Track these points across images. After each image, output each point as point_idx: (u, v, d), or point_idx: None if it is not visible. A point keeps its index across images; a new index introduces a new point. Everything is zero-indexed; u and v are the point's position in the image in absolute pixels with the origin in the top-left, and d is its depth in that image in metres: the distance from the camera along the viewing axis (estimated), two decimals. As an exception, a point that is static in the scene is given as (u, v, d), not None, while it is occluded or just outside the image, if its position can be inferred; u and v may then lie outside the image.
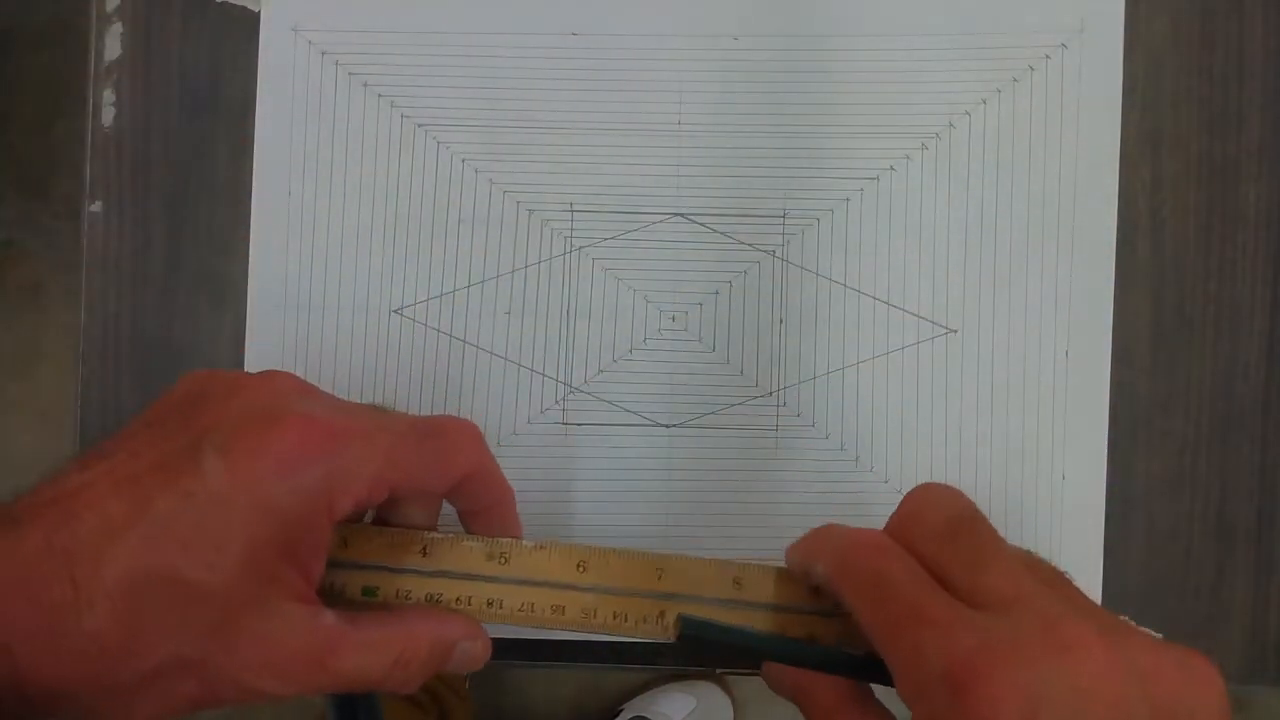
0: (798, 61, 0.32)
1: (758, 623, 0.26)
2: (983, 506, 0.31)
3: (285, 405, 0.23)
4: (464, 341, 0.32)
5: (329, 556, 0.24)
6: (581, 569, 0.26)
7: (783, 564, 0.26)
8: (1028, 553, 0.23)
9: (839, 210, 0.32)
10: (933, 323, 0.31)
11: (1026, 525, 0.31)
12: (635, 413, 0.32)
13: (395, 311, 0.32)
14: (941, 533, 0.23)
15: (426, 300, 0.32)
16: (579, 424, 0.32)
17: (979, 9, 0.31)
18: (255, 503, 0.22)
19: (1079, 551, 0.31)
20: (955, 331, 0.31)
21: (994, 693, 0.19)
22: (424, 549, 0.25)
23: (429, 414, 0.26)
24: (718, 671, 0.32)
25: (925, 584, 0.22)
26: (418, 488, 0.25)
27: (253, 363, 0.32)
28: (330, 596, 0.25)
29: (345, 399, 0.25)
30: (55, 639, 0.21)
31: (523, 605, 0.26)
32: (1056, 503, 0.31)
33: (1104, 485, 0.31)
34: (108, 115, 0.33)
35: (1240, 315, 0.32)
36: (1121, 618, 0.23)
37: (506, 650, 0.32)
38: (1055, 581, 0.22)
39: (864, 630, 0.23)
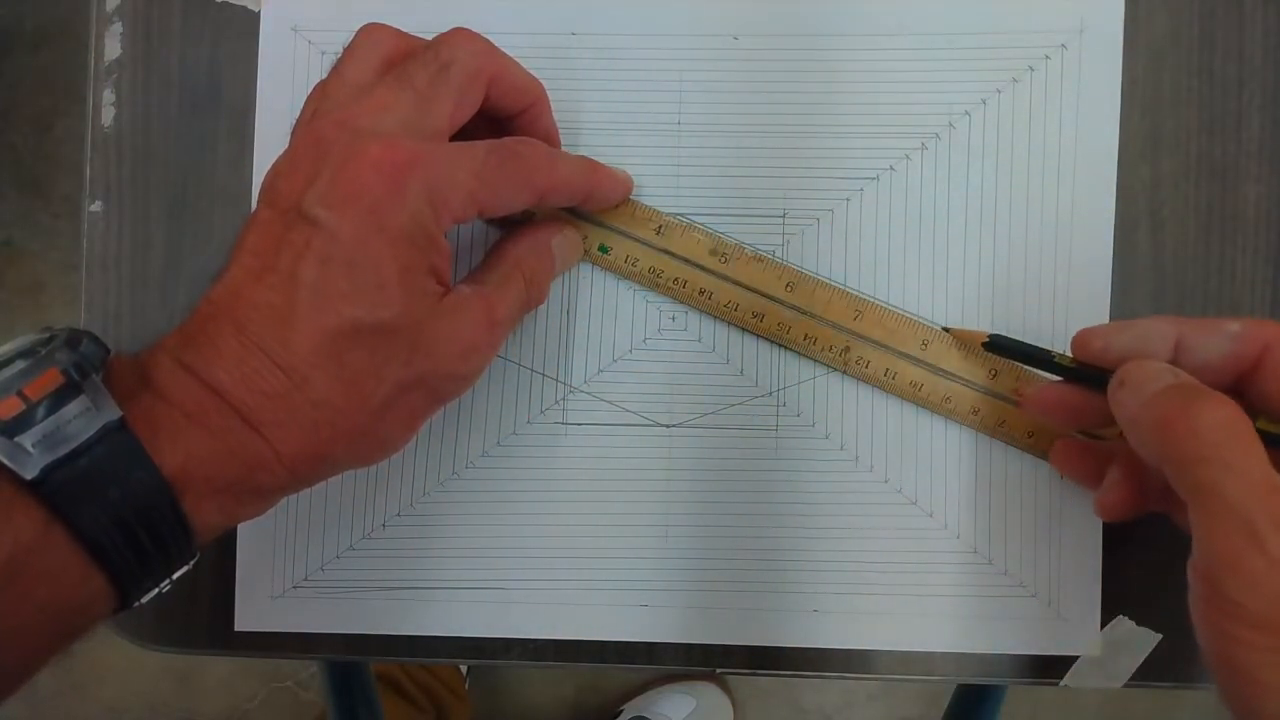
0: (798, 61, 0.32)
1: (953, 393, 0.30)
2: (983, 507, 0.31)
3: (363, 138, 0.24)
4: (464, 341, 0.32)
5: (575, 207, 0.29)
6: (790, 289, 0.30)
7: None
8: None
9: (839, 210, 0.32)
10: (931, 322, 0.31)
11: (1026, 524, 0.31)
12: (635, 413, 0.32)
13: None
14: None
15: (426, 300, 0.32)
16: (579, 424, 0.32)
17: (979, 9, 0.31)
18: (381, 237, 0.24)
19: (1079, 551, 0.31)
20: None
21: None
22: (659, 228, 0.30)
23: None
24: (717, 671, 0.32)
25: (1265, 503, 0.21)
26: (505, 208, 0.27)
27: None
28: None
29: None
30: (293, 419, 0.23)
31: (729, 302, 0.30)
32: (1056, 503, 0.31)
33: (1104, 485, 0.31)
34: (108, 115, 0.33)
35: (1240, 315, 0.32)
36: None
37: (507, 650, 0.32)
38: None
39: (1175, 488, 0.23)
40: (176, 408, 0.23)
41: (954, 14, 0.31)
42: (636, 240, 0.30)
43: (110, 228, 0.33)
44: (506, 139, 0.27)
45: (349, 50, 0.27)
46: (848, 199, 0.32)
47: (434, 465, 0.32)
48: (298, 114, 0.32)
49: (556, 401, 0.32)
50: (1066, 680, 0.31)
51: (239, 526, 0.32)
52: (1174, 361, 0.26)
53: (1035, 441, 0.31)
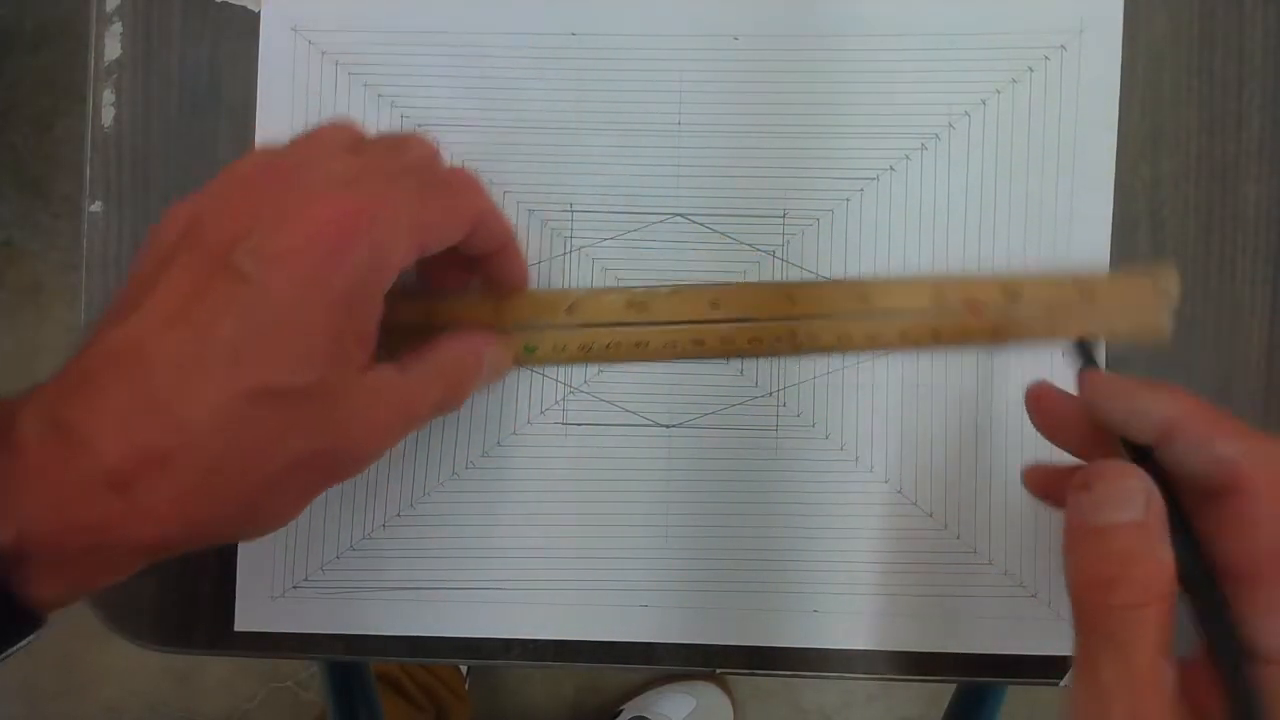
0: (798, 61, 0.32)
1: (886, 331, 0.30)
2: (983, 506, 0.31)
3: (291, 182, 0.23)
4: (464, 341, 0.32)
5: (494, 322, 0.29)
6: (715, 306, 0.30)
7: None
8: None
9: (839, 210, 0.32)
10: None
11: (1027, 527, 0.31)
12: (635, 413, 0.32)
13: (395, 311, 0.32)
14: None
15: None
16: (579, 424, 0.32)
17: (979, 10, 0.31)
18: (317, 300, 0.22)
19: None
20: (955, 331, 0.31)
21: None
22: (569, 307, 0.30)
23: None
24: (717, 672, 0.32)
25: (1132, 697, 0.20)
26: (440, 241, 0.26)
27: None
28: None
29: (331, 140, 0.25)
30: (173, 485, 0.21)
31: (666, 344, 0.30)
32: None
33: (1104, 485, 0.31)
34: (108, 115, 0.33)
35: (1239, 315, 0.32)
36: None
37: (507, 650, 0.32)
38: None
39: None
40: (33, 469, 0.21)
41: (954, 15, 0.31)
42: (555, 327, 0.30)
43: (110, 228, 0.33)
44: (439, 169, 0.27)
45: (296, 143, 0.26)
46: (848, 199, 0.32)
47: (434, 465, 0.32)
48: (298, 114, 0.32)
49: (557, 402, 0.32)
50: (1066, 680, 0.31)
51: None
52: (1158, 441, 0.23)
53: (997, 338, 0.30)
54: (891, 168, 0.32)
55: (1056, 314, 0.30)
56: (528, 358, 0.30)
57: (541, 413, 0.32)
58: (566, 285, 0.32)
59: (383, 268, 0.23)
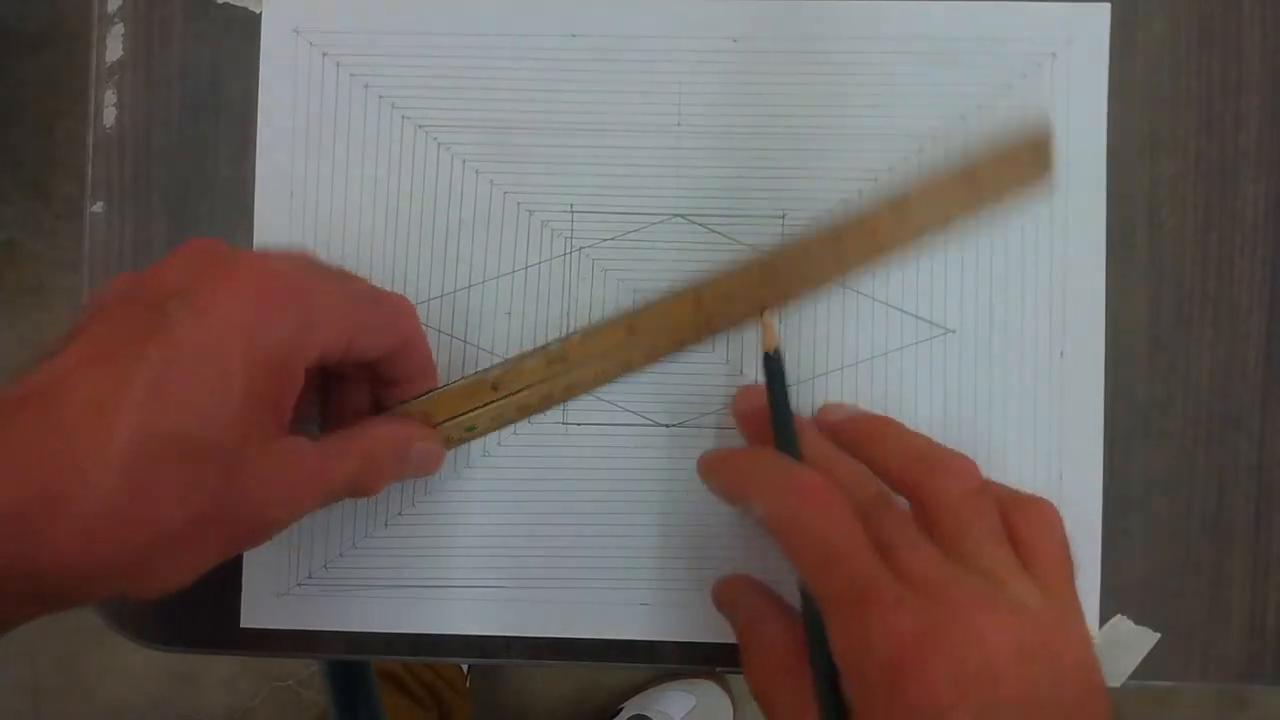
0: (796, 63, 0.32)
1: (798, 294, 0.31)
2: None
3: (235, 256, 0.24)
4: (464, 341, 0.32)
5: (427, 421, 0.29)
6: (631, 331, 0.31)
7: None
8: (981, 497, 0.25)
9: (838, 211, 0.32)
10: (931, 323, 0.31)
11: (1025, 525, 0.31)
12: (635, 413, 0.32)
13: (396, 312, 0.32)
14: (861, 505, 0.25)
15: (427, 300, 0.32)
16: (579, 424, 0.32)
17: (973, 19, 0.32)
18: (239, 353, 0.22)
19: (1076, 551, 0.31)
20: (954, 332, 0.32)
21: (928, 680, 0.21)
22: (493, 385, 0.31)
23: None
24: (718, 670, 0.33)
25: (871, 555, 0.23)
26: (367, 346, 0.26)
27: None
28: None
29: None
30: (69, 516, 0.21)
31: (595, 376, 0.31)
32: (1054, 503, 0.31)
33: (1101, 485, 0.31)
34: (109, 116, 0.33)
35: (1239, 315, 0.32)
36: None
37: (507, 648, 0.32)
38: (988, 556, 0.24)
39: (800, 575, 0.24)
40: None
41: (948, 22, 0.32)
42: (487, 406, 0.30)
43: (112, 228, 0.33)
44: (380, 290, 0.28)
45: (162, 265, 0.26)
46: (847, 199, 0.32)
47: (435, 465, 0.32)
48: (299, 115, 0.32)
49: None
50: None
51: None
52: None
53: (902, 251, 0.31)
54: (890, 169, 0.32)
55: (949, 210, 0.31)
56: (470, 436, 0.31)
57: (542, 413, 0.32)
58: (566, 285, 0.32)
59: (308, 341, 0.24)
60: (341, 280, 0.26)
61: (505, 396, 0.30)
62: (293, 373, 0.24)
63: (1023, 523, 0.25)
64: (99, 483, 0.21)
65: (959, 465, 0.26)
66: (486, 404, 0.30)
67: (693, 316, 0.30)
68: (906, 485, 0.26)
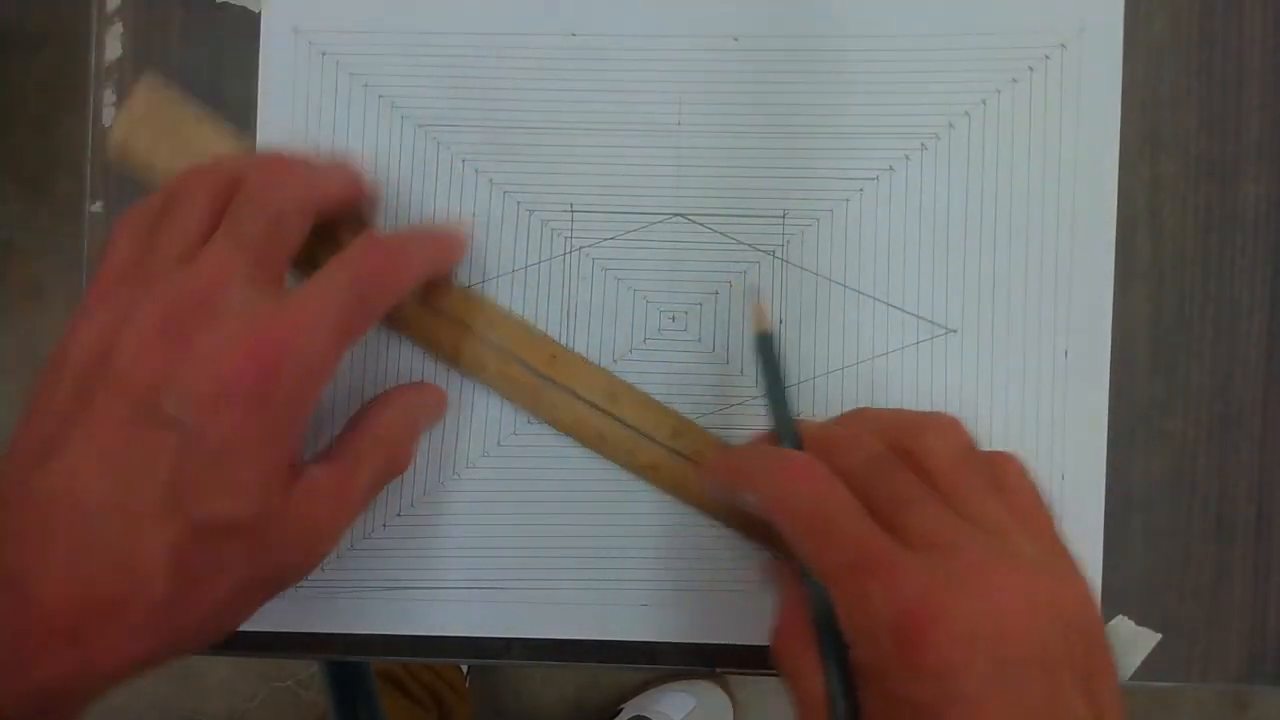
0: (797, 62, 0.32)
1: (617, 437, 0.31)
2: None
3: (221, 333, 0.23)
4: (464, 341, 0.32)
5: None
6: (553, 359, 0.31)
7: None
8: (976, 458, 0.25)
9: (839, 210, 0.32)
10: (932, 323, 0.31)
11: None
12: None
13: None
14: (861, 468, 0.25)
15: (427, 300, 0.32)
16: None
17: (978, 9, 0.32)
18: (252, 433, 0.23)
19: (1078, 551, 0.31)
20: (955, 331, 0.31)
21: (938, 640, 0.21)
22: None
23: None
24: (718, 671, 0.33)
25: (865, 522, 0.23)
26: (372, 324, 0.26)
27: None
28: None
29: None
30: (123, 626, 0.21)
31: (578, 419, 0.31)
32: (1055, 502, 0.31)
33: (1103, 485, 0.31)
34: (108, 115, 0.33)
35: (1239, 315, 0.32)
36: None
37: (507, 649, 0.32)
38: (988, 511, 0.24)
39: (799, 554, 0.24)
40: None
41: (953, 15, 0.32)
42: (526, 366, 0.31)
43: (111, 228, 0.33)
44: (354, 256, 0.26)
45: (173, 196, 0.26)
46: (848, 199, 0.32)
47: (434, 465, 0.32)
48: (299, 115, 0.32)
49: (557, 401, 0.32)
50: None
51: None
52: None
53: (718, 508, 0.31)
54: (891, 168, 0.32)
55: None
56: (479, 374, 0.31)
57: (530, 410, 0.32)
58: (566, 285, 0.32)
59: (310, 386, 0.24)
60: (317, 295, 0.25)
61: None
62: (301, 424, 0.24)
63: (1001, 475, 0.25)
64: (150, 580, 0.22)
65: (947, 423, 0.26)
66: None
67: (541, 357, 0.31)
68: (899, 451, 0.25)
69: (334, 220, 0.28)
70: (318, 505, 0.25)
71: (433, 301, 0.30)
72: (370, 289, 0.26)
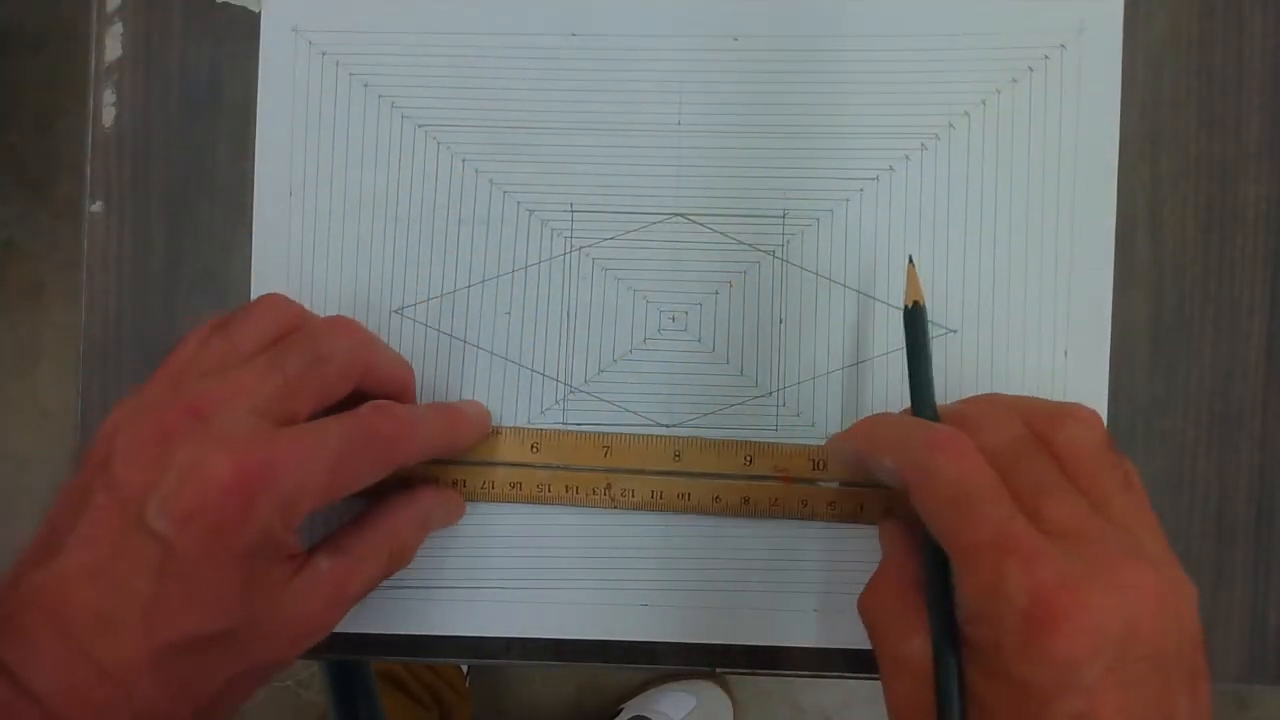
0: (797, 62, 0.32)
1: (696, 491, 0.31)
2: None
3: (211, 445, 0.23)
4: (464, 341, 0.32)
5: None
6: (535, 450, 0.31)
7: (723, 440, 0.31)
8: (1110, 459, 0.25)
9: (839, 210, 0.32)
10: (933, 322, 0.31)
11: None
12: (635, 413, 0.32)
13: (395, 312, 0.32)
14: (1005, 450, 0.24)
15: (427, 301, 0.32)
16: (579, 424, 0.32)
17: (978, 10, 0.32)
18: (228, 553, 0.23)
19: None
20: (955, 331, 0.31)
21: (1069, 631, 0.21)
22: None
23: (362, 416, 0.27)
24: (718, 671, 0.32)
25: (1007, 503, 0.23)
26: (361, 485, 0.26)
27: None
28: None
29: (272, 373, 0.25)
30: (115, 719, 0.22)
31: (483, 484, 0.31)
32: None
33: (1103, 485, 0.31)
34: (108, 115, 0.33)
35: (1239, 315, 0.32)
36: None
37: (507, 650, 0.32)
38: (1119, 507, 0.24)
39: (931, 526, 0.24)
40: None
41: (953, 15, 0.32)
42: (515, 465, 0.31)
43: (111, 228, 0.33)
44: (364, 413, 0.26)
45: (245, 311, 0.27)
46: (848, 199, 0.32)
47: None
48: (299, 115, 0.32)
49: (557, 401, 0.32)
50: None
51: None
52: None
53: (837, 512, 0.31)
54: (891, 168, 0.32)
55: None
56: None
57: (541, 413, 0.32)
58: (566, 285, 0.32)
59: (289, 515, 0.24)
60: (322, 432, 0.25)
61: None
62: (281, 548, 0.24)
63: (1131, 474, 0.25)
64: (134, 687, 0.22)
65: (1087, 414, 0.25)
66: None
67: (596, 458, 0.31)
68: (1038, 437, 0.25)
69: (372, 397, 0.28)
70: (316, 600, 0.25)
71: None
72: (371, 449, 0.26)
